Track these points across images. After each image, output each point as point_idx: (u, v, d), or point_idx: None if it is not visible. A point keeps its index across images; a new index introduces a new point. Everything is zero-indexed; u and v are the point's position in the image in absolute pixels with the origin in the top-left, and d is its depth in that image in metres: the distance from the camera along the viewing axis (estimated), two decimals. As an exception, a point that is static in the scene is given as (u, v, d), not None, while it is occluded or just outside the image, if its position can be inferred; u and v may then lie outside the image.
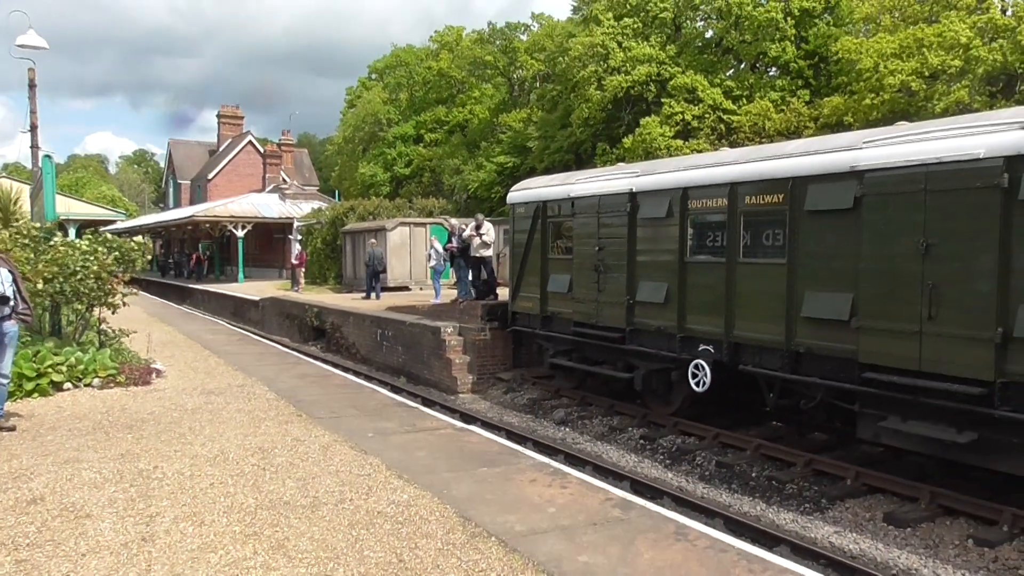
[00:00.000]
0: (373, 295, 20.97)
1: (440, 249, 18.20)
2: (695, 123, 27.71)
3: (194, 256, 38.77)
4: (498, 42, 46.37)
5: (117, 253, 10.05)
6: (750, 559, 4.48)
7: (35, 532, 4.79)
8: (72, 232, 29.82)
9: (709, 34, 33.33)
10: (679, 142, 26.78)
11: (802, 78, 28.47)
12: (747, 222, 9.03)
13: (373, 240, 22.38)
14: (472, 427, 7.64)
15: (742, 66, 31.88)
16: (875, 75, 22.18)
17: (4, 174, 50.00)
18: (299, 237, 29.27)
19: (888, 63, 21.89)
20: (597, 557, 4.48)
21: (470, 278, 15.65)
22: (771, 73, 31.04)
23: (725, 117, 27.72)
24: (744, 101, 28.31)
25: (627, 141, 28.23)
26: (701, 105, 28.35)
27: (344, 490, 5.60)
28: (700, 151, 22.27)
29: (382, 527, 4.89)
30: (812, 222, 7.98)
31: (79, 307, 10.17)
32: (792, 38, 28.61)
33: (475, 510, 5.20)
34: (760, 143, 22.01)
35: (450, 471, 6.10)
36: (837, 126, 22.50)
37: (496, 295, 14.98)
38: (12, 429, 7.30)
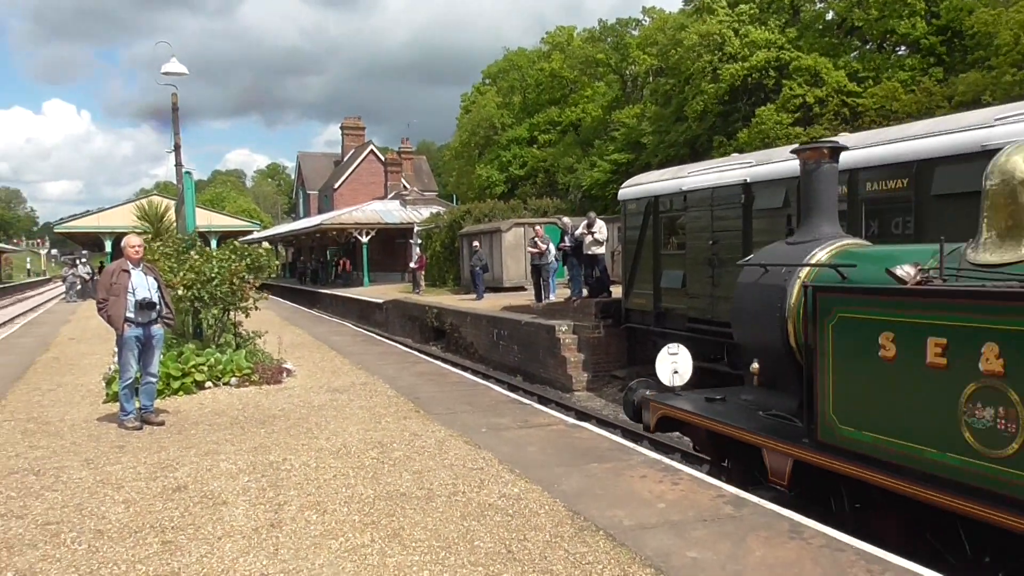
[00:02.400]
0: (479, 295, 21.35)
1: (552, 247, 18.19)
2: (816, 108, 26.53)
3: (343, 262, 40.18)
4: (609, 39, 46.08)
5: (249, 260, 10.73)
6: (868, 559, 4.29)
7: (179, 516, 5.21)
8: (214, 243, 31.98)
9: (830, 15, 31.86)
10: (798, 129, 25.72)
11: (934, 55, 26.71)
12: (870, 210, 8.64)
13: (476, 243, 22.81)
14: (583, 423, 7.68)
15: (867, 46, 30.28)
16: (1016, 48, 20.54)
17: (155, 191, 54.19)
18: (419, 241, 30.18)
19: (1032, 34, 20.24)
20: (706, 553, 4.43)
21: (583, 276, 15.67)
22: (899, 52, 29.31)
23: (849, 100, 26.38)
24: (870, 83, 26.86)
25: (743, 135, 27.38)
26: (824, 88, 27.12)
27: (457, 483, 5.77)
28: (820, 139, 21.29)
29: (492, 519, 5.01)
30: (939, 206, 7.53)
31: (216, 311, 10.94)
32: (922, 13, 26.90)
33: (584, 504, 5.24)
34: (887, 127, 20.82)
35: (560, 466, 6.16)
36: (974, 104, 20.99)
37: (609, 292, 14.95)
38: (161, 424, 7.96)
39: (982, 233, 4.76)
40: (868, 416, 4.81)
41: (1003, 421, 4.00)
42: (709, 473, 6.39)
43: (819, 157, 6.24)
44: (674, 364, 6.99)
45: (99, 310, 7.93)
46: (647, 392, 7.15)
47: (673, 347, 7.11)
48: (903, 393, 4.56)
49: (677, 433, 7.51)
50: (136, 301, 7.75)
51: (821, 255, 5.93)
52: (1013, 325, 3.96)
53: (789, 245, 6.55)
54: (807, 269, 5.86)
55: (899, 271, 4.92)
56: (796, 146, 6.23)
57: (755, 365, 6.34)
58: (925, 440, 4.43)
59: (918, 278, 4.86)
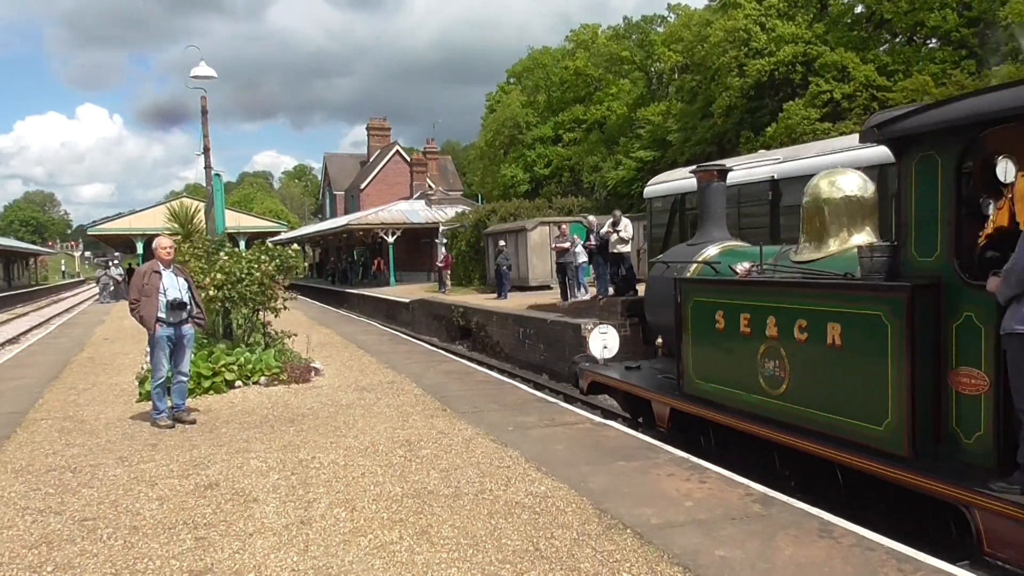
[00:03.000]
0: (502, 295, 21.38)
1: (579, 246, 18.13)
2: (845, 103, 26.20)
3: (377, 261, 40.15)
4: (634, 36, 45.85)
5: (278, 261, 10.86)
6: (899, 558, 4.25)
7: (211, 513, 5.30)
8: (242, 244, 32.37)
9: (859, 9, 31.44)
10: (826, 125, 25.42)
11: (966, 47, 26.26)
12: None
13: (503, 242, 22.84)
14: (609, 422, 7.66)
15: (897, 39, 29.85)
16: (1053, 38, 20.14)
17: (185, 193, 54.97)
18: (444, 240, 30.29)
19: (1068, 24, 19.81)
20: (735, 551, 4.41)
21: (609, 275, 15.63)
22: (930, 45, 28.86)
23: (878, 95, 26.02)
24: (900, 77, 26.48)
25: (770, 130, 27.15)
26: (852, 83, 26.78)
27: (484, 481, 5.80)
28: (848, 135, 21.09)
29: (519, 517, 5.03)
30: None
31: (246, 311, 11.08)
32: (953, 5, 26.46)
33: (611, 502, 5.25)
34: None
35: (587, 464, 6.17)
36: (1009, 97, 20.59)
37: (636, 291, 14.89)
38: (193, 422, 8.08)
39: (800, 238, 6.50)
40: (711, 372, 6.70)
41: (779, 370, 5.85)
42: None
43: (710, 177, 8.24)
44: (604, 341, 8.89)
45: (131, 311, 8.08)
46: (584, 364, 8.90)
47: (603, 327, 9.10)
48: (728, 354, 6.42)
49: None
50: (167, 301, 7.88)
51: (712, 252, 7.69)
52: (782, 304, 5.81)
53: (688, 246, 8.27)
54: (695, 265, 7.68)
55: (738, 267, 6.81)
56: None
57: (659, 340, 8.10)
58: (741, 387, 6.25)
59: (746, 273, 6.65)
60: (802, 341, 5.60)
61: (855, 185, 6.17)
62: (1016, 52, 22.69)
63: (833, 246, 6.15)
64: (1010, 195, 4.66)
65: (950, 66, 25.45)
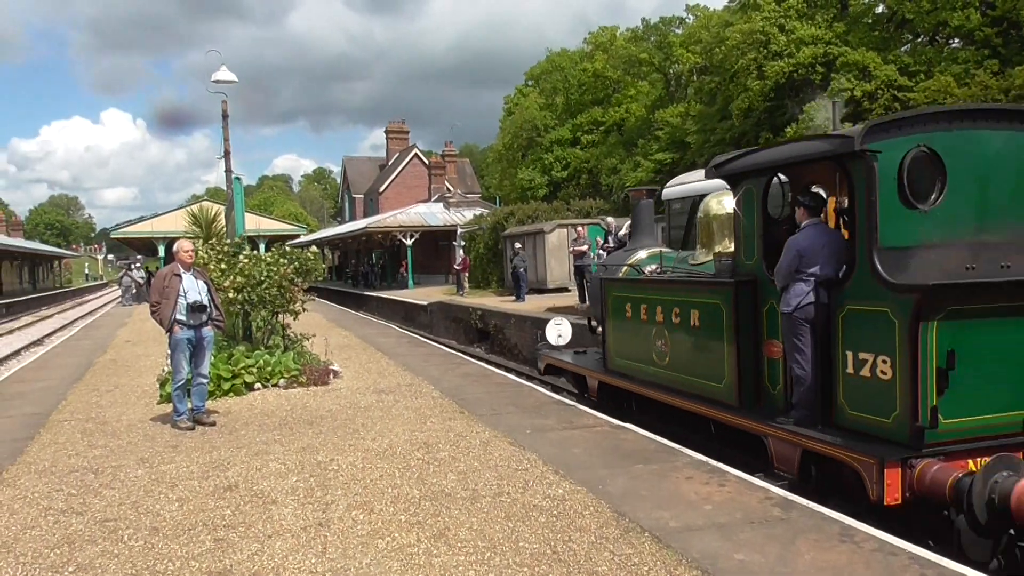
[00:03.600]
0: (519, 297, 21.35)
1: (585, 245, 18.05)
2: (866, 102, 25.96)
3: (404, 264, 39.77)
4: (652, 38, 45.74)
5: (297, 263, 10.93)
6: (923, 564, 4.19)
7: (230, 515, 5.33)
8: (262, 247, 32.60)
9: (880, 9, 31.16)
10: (848, 124, 25.19)
11: (989, 47, 25.92)
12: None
13: (519, 244, 22.82)
14: (628, 425, 7.63)
15: (919, 39, 29.55)
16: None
17: (205, 197, 55.47)
18: (462, 243, 30.33)
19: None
20: (754, 556, 4.37)
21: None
22: (953, 44, 28.53)
23: (900, 95, 25.76)
24: (922, 77, 26.20)
25: (790, 130, 26.95)
26: (873, 82, 26.53)
27: (502, 483, 5.80)
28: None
29: (537, 520, 5.02)
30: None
31: (265, 314, 11.15)
32: (976, 4, 26.15)
33: (629, 506, 5.22)
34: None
35: (605, 467, 6.14)
36: (1034, 97, 20.31)
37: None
38: (213, 424, 8.14)
39: (697, 245, 8.27)
40: (625, 351, 8.45)
41: (664, 346, 7.60)
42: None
43: (641, 196, 10.37)
44: (558, 331, 10.76)
45: (152, 313, 8.16)
46: (544, 350, 10.81)
47: (559, 319, 11.02)
48: (635, 336, 8.17)
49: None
50: (187, 304, 7.95)
51: (641, 256, 9.29)
52: (664, 296, 7.62)
53: (624, 251, 10.02)
54: (625, 267, 9.27)
55: (646, 269, 8.86)
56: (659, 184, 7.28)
57: (599, 329, 9.43)
58: (643, 361, 7.98)
59: (651, 273, 8.66)
60: (677, 324, 7.40)
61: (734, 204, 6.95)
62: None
63: (713, 252, 7.53)
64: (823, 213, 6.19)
65: (973, 66, 25.15)
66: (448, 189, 46.92)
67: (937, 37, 28.98)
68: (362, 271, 44.82)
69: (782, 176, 6.54)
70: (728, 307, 6.54)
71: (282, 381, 10.16)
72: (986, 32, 25.88)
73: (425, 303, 26.44)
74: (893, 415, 5.18)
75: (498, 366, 14.18)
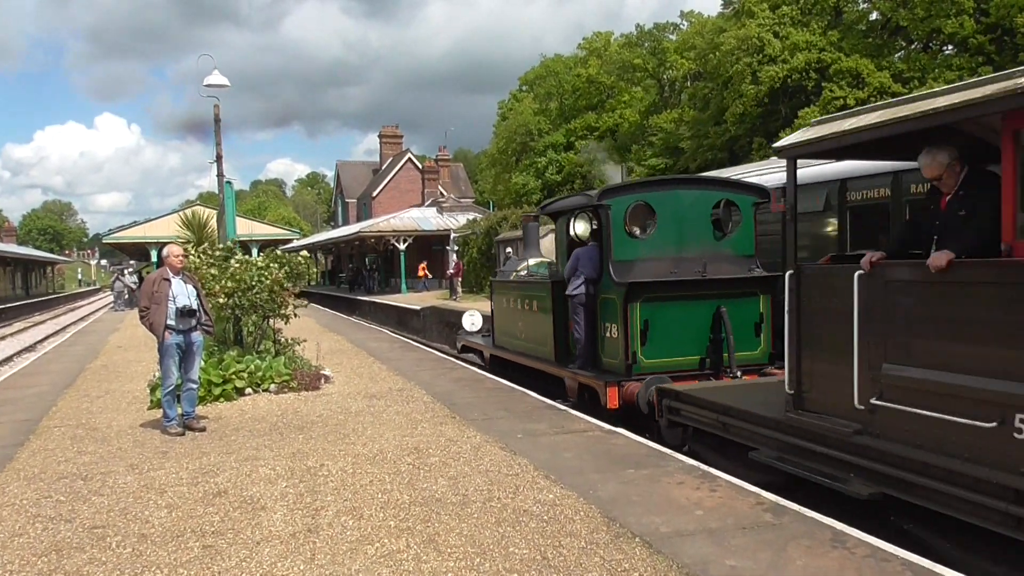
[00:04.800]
0: None
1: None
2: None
3: (422, 267, 38.62)
4: (647, 44, 45.88)
5: (288, 268, 10.89)
6: (915, 570, 4.17)
7: (219, 521, 5.29)
8: (255, 251, 32.50)
9: (874, 16, 31.31)
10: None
11: (983, 54, 26.09)
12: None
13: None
14: (619, 430, 7.61)
15: (913, 46, 29.69)
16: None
17: (198, 202, 55.36)
18: (455, 248, 30.30)
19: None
20: (745, 562, 4.35)
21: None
22: (946, 51, 28.68)
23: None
24: (916, 84, 26.33)
25: (783, 134, 27.04)
26: (866, 89, 26.64)
27: (493, 489, 5.77)
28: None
29: (528, 525, 4.99)
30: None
31: (256, 318, 11.11)
32: (970, 11, 26.30)
33: (620, 511, 5.20)
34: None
35: (596, 472, 6.12)
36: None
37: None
38: (203, 429, 8.10)
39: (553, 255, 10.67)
40: (504, 331, 11.57)
41: (523, 326, 10.56)
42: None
43: (529, 220, 13.23)
44: (472, 320, 14.10)
45: (141, 318, 8.11)
46: (462, 334, 14.00)
47: (472, 311, 14.44)
48: (508, 320, 11.33)
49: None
50: (177, 308, 7.91)
51: (530, 264, 11.31)
52: (520, 291, 10.66)
53: (516, 260, 12.53)
54: (514, 272, 11.79)
55: (523, 271, 11.34)
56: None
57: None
58: (514, 337, 11.04)
59: (525, 275, 11.13)
60: (526, 311, 10.56)
61: (579, 227, 9.67)
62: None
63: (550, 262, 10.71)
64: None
65: (967, 73, 25.28)
66: (441, 194, 46.90)
67: (931, 44, 29.13)
68: (365, 274, 44.30)
69: (575, 216, 9.68)
70: (548, 298, 9.70)
71: (273, 386, 10.12)
72: (979, 39, 26.05)
73: (418, 308, 26.40)
74: (620, 359, 8.37)
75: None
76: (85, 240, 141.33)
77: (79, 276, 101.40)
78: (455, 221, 37.01)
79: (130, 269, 36.99)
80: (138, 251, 43.99)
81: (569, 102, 50.03)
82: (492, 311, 12.40)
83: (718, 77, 33.00)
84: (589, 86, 48.19)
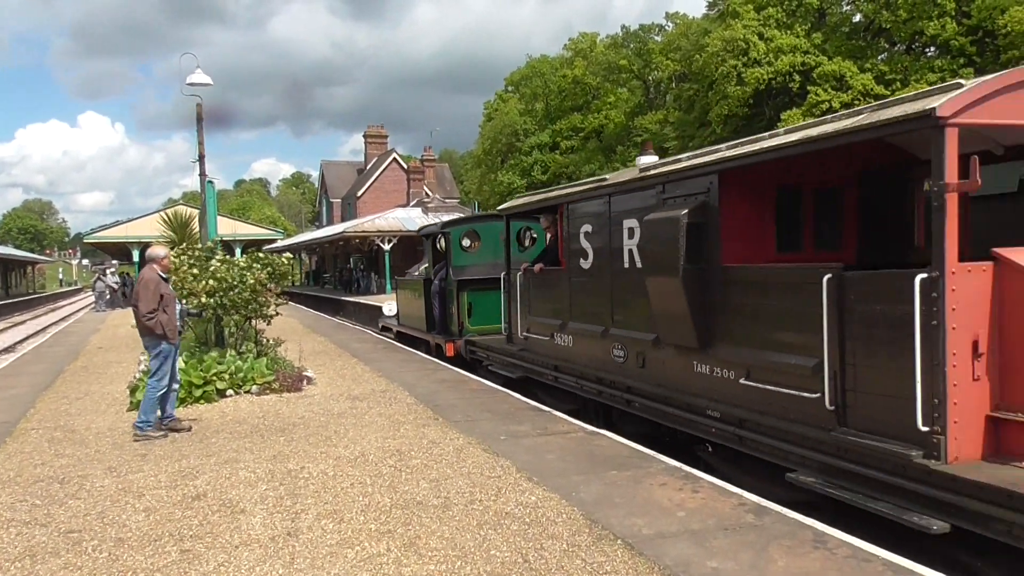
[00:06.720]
0: None
1: None
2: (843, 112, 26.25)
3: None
4: (632, 45, 45.98)
5: (270, 268, 10.80)
6: (896, 570, 4.18)
7: (197, 525, 5.23)
8: (238, 251, 32.27)
9: (857, 18, 31.52)
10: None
11: (964, 56, 26.34)
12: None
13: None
14: (602, 431, 7.59)
15: (895, 48, 29.92)
16: (1050, 46, 20.18)
17: (181, 201, 54.93)
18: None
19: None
20: (727, 563, 4.34)
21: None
22: (929, 53, 28.91)
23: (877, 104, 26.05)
24: (898, 85, 26.54)
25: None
26: (850, 92, 26.83)
27: (475, 491, 5.74)
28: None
29: (509, 528, 4.96)
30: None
31: (238, 319, 11.01)
32: (952, 13, 26.53)
33: (602, 513, 5.18)
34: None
35: (579, 474, 6.10)
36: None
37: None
38: (188, 430, 8.03)
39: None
40: (405, 314, 16.09)
41: (410, 310, 15.62)
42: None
43: (420, 239, 17.28)
44: (389, 307, 17.85)
45: (146, 321, 7.80)
46: (380, 318, 18.62)
47: (390, 302, 18.15)
48: (405, 306, 16.11)
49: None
50: (179, 311, 7.87)
51: (422, 268, 15.81)
52: (409, 286, 15.80)
53: (416, 267, 19.17)
54: (416, 273, 17.25)
55: (415, 273, 17.74)
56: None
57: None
58: (406, 317, 16.01)
59: (415, 276, 16.70)
60: (413, 299, 14.74)
61: (439, 244, 13.60)
62: (1017, 60, 22.72)
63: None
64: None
65: (949, 75, 25.51)
66: (427, 194, 46.74)
67: (913, 46, 29.36)
68: (356, 275, 43.82)
69: (436, 237, 13.97)
70: (422, 291, 13.77)
71: (254, 388, 10.03)
72: (961, 41, 26.28)
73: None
74: (458, 327, 12.59)
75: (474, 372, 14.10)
76: (67, 240, 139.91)
77: (60, 276, 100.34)
78: (440, 222, 36.91)
79: (112, 269, 36.62)
80: (120, 251, 43.58)
81: (555, 103, 50.05)
82: (397, 301, 17.12)
83: (703, 78, 33.12)
84: (575, 87, 48.24)
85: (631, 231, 7.44)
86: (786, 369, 5.49)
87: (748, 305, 5.95)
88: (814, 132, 5.36)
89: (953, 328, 4.40)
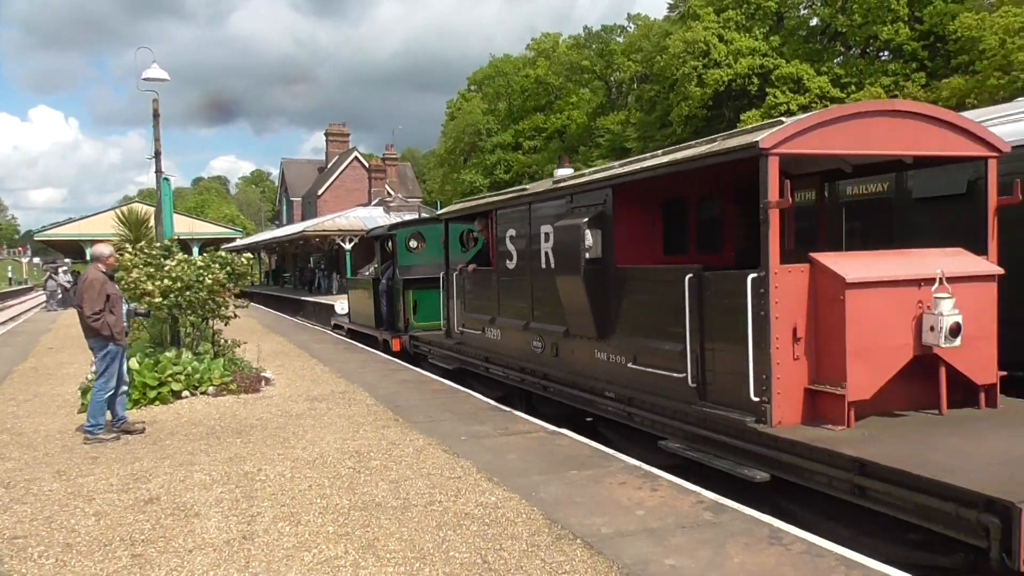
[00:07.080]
0: None
1: None
2: (800, 114, 26.72)
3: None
4: (594, 46, 46.21)
5: (229, 268, 10.61)
6: (848, 564, 4.26)
7: (150, 529, 5.11)
8: (196, 250, 31.71)
9: (814, 22, 32.09)
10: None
11: (917, 60, 26.98)
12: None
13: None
14: (563, 431, 7.61)
15: (851, 52, 30.52)
16: (1001, 53, 20.74)
17: (138, 199, 53.83)
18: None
19: (1016, 39, 20.42)
20: (685, 560, 4.38)
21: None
22: (883, 57, 29.55)
23: (832, 106, 26.57)
24: (853, 88, 27.07)
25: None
26: (807, 95, 27.30)
27: (434, 492, 5.70)
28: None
29: (469, 528, 4.94)
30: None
31: (194, 319, 10.80)
32: (905, 18, 27.15)
33: (562, 512, 5.18)
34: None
35: (539, 474, 6.10)
36: (958, 108, 21.16)
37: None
38: (142, 431, 7.85)
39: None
40: (356, 313, 16.78)
41: (361, 308, 16.32)
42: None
43: (372, 243, 16.41)
44: (341, 306, 18.49)
45: (92, 322, 7.58)
46: (333, 316, 19.51)
47: (341, 301, 19.02)
48: (355, 304, 16.91)
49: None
50: (126, 311, 7.68)
51: (372, 269, 15.53)
52: (359, 286, 16.73)
53: (367, 267, 19.00)
54: (366, 273, 16.77)
55: (366, 273, 17.19)
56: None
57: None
58: (362, 317, 16.06)
59: (370, 275, 15.74)
60: (363, 298, 15.52)
61: (387, 246, 14.26)
62: (966, 64, 23.31)
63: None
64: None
65: (902, 78, 26.10)
66: (389, 193, 46.41)
67: (868, 50, 29.97)
68: (318, 275, 43.09)
69: (384, 239, 14.67)
70: (371, 289, 14.61)
71: (211, 389, 9.84)
72: (914, 46, 26.89)
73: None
74: (404, 323, 13.26)
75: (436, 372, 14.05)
76: (16, 237, 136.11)
77: (10, 274, 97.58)
78: (388, 224, 36.63)
79: (64, 268, 35.71)
80: (72, 249, 42.53)
81: (518, 103, 50.09)
82: (348, 300, 17.83)
83: (664, 80, 33.42)
84: (538, 87, 48.33)
85: (547, 235, 8.28)
86: (661, 354, 6.45)
87: (635, 300, 6.96)
88: (679, 156, 6.30)
89: (776, 318, 5.29)
